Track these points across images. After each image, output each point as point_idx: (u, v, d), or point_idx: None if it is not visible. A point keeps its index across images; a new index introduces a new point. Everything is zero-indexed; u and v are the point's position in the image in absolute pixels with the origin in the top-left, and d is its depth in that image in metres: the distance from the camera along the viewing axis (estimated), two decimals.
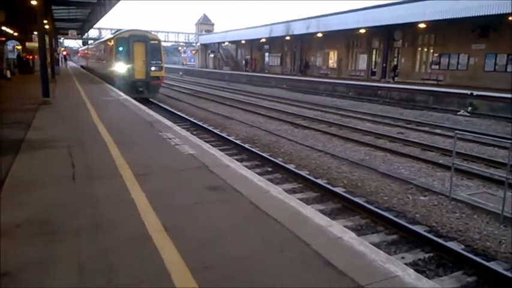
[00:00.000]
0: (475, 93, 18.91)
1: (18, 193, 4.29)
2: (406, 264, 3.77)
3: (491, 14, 20.06)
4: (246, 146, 10.46)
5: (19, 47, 36.09)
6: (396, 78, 29.09)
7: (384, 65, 30.22)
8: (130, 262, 2.90)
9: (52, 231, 3.36)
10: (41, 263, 2.86)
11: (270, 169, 8.54)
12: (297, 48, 42.46)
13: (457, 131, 7.82)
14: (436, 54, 27.78)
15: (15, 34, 31.01)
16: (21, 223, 3.51)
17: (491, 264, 4.64)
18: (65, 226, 3.47)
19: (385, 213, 6.03)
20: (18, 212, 3.76)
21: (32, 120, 9.09)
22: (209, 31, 65.97)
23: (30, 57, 31.84)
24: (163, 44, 24.13)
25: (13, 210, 3.77)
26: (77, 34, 43.47)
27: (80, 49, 63.49)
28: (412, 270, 2.85)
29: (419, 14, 24.33)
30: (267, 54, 49.44)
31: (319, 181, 7.56)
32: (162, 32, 58.27)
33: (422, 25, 25.79)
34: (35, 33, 21.96)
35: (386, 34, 29.49)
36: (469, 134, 10.39)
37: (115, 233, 3.35)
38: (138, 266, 2.84)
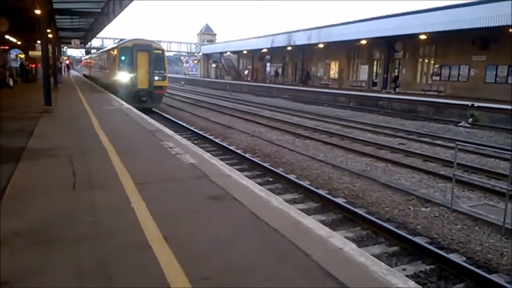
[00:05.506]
0: (476, 104, 18.95)
1: (19, 201, 4.28)
2: (407, 276, 3.75)
3: (491, 26, 20.20)
4: (247, 155, 10.46)
5: (22, 56, 36.36)
6: (397, 89, 29.18)
7: (385, 75, 30.36)
8: (130, 271, 2.88)
9: (52, 240, 3.35)
10: (40, 272, 2.84)
11: (270, 179, 8.53)
12: (298, 58, 42.70)
13: (458, 142, 7.82)
14: (436, 66, 27.92)
15: (19, 43, 31.28)
16: (20, 231, 3.50)
17: (493, 277, 4.60)
18: (64, 235, 3.46)
19: (386, 225, 6.00)
20: (18, 220, 3.75)
21: (33, 129, 9.10)
22: (211, 41, 66.52)
23: (33, 65, 32.03)
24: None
25: (13, 219, 3.76)
26: (80, 43, 43.77)
27: (82, 58, 63.90)
28: (413, 283, 2.83)
29: (420, 26, 24.52)
30: (268, 64, 49.72)
31: (320, 191, 7.55)
32: (164, 41, 58.69)
33: (423, 36, 25.98)
34: (38, 42, 22.11)
35: (387, 45, 29.67)
36: (470, 145, 10.41)
37: (114, 242, 3.33)
38: (137, 275, 2.83)
